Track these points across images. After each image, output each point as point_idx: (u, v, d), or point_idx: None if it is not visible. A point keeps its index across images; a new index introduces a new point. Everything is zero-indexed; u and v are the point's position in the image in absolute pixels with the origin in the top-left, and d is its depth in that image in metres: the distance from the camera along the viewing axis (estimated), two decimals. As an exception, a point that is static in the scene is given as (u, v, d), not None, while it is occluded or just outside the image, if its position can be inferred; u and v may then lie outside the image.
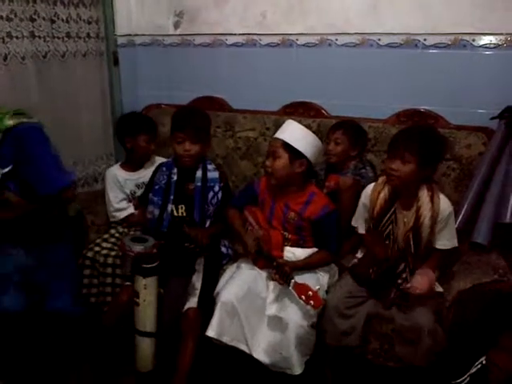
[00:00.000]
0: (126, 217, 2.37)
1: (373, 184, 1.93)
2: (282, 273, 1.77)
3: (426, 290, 1.74)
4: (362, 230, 1.98)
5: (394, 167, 1.76)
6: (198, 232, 1.99)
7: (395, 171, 1.76)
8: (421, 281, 1.76)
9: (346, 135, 2.19)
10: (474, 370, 1.53)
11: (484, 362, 1.49)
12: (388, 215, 1.85)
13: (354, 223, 2.02)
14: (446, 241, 1.84)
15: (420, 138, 1.76)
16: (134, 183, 2.38)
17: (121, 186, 2.38)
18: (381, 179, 1.90)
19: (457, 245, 1.86)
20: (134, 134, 2.35)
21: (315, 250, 1.96)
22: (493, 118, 2.13)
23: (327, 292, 1.93)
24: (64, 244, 2.02)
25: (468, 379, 1.53)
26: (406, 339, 1.76)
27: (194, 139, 2.02)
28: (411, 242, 1.82)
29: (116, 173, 2.41)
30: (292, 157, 1.87)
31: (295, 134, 1.90)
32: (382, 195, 1.86)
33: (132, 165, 2.42)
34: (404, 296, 1.80)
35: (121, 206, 2.37)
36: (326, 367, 1.94)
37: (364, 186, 2.00)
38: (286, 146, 1.87)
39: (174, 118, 2.09)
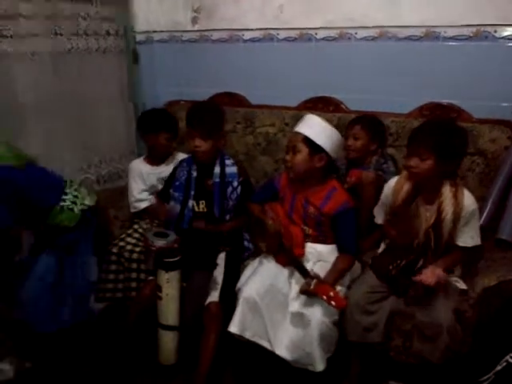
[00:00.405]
0: (146, 208, 2.39)
1: (396, 177, 1.92)
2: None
3: (433, 282, 1.72)
4: (380, 221, 1.99)
5: (413, 164, 1.75)
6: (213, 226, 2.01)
7: (414, 168, 1.75)
8: (429, 274, 1.74)
9: (364, 130, 2.17)
10: (499, 367, 1.52)
11: (510, 360, 1.47)
12: (410, 209, 1.84)
13: (375, 213, 2.02)
14: (468, 238, 1.81)
15: (436, 133, 1.73)
16: (156, 177, 2.40)
17: (143, 179, 2.41)
18: (404, 173, 1.89)
19: (479, 243, 1.83)
20: (154, 132, 2.37)
21: (335, 246, 1.95)
22: (517, 112, 2.10)
23: (349, 287, 1.92)
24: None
25: (493, 377, 1.51)
26: (425, 335, 1.74)
27: (203, 135, 2.02)
28: (432, 238, 1.80)
29: (139, 165, 2.44)
30: (312, 151, 1.86)
31: (315, 128, 1.88)
32: (404, 189, 1.85)
33: (154, 159, 2.44)
34: (424, 291, 1.78)
35: (142, 197, 2.40)
36: (350, 364, 1.93)
37: (386, 181, 1.99)
38: (306, 141, 1.86)
39: (187, 114, 2.10)
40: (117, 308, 2.20)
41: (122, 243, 2.25)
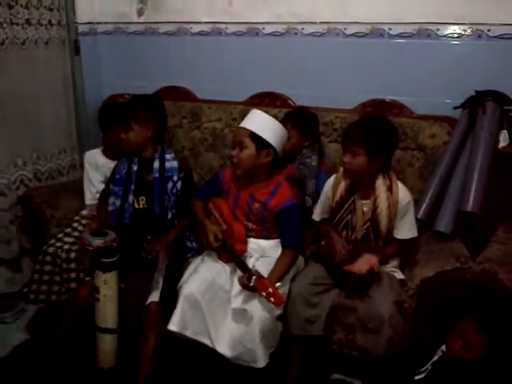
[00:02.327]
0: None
1: (334, 175, 1.96)
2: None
3: (364, 271, 1.76)
4: (316, 218, 2.03)
5: (346, 160, 1.79)
6: (154, 245, 1.95)
7: (347, 164, 1.80)
8: (360, 263, 1.78)
9: (296, 128, 2.18)
10: (435, 357, 1.54)
11: (444, 349, 1.50)
12: (347, 205, 1.87)
13: (314, 209, 2.06)
14: (405, 231, 1.87)
15: (366, 130, 1.77)
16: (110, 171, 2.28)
17: (99, 169, 2.33)
18: (341, 170, 1.92)
19: (416, 235, 1.89)
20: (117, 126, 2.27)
21: (278, 241, 1.94)
22: (456, 108, 2.14)
23: (293, 280, 1.90)
24: None
25: (430, 367, 1.54)
26: (368, 328, 1.76)
27: (125, 127, 1.99)
28: (370, 232, 1.84)
29: (95, 156, 2.37)
30: (259, 147, 1.84)
31: (261, 123, 1.87)
32: (341, 185, 1.90)
33: (113, 153, 2.34)
34: (357, 281, 1.80)
35: (101, 188, 2.28)
36: (291, 358, 1.93)
37: (306, 176, 2.08)
38: (253, 136, 1.83)
39: None
40: (52, 310, 2.12)
41: (58, 243, 2.17)
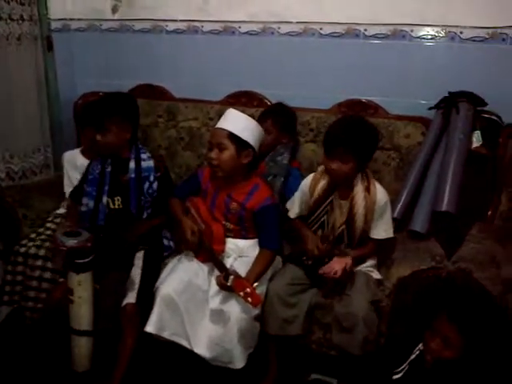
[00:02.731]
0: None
1: (313, 174, 1.95)
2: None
3: (339, 272, 1.76)
4: (292, 215, 2.01)
5: (335, 167, 1.78)
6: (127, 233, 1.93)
7: (336, 170, 1.79)
8: (334, 264, 1.79)
9: (276, 125, 2.19)
10: (413, 356, 1.55)
11: (421, 348, 1.52)
12: (324, 204, 1.88)
13: (288, 206, 2.03)
14: (381, 231, 1.88)
15: (353, 135, 1.76)
16: None
17: (78, 170, 2.27)
18: (320, 169, 1.93)
19: (392, 235, 1.91)
20: (83, 127, 2.28)
21: (256, 241, 1.93)
22: (430, 109, 2.18)
23: (271, 280, 1.90)
24: None
25: (408, 367, 1.55)
26: (343, 327, 1.77)
27: (101, 129, 1.94)
28: (345, 232, 1.86)
29: (75, 156, 2.34)
30: (239, 148, 1.81)
31: (240, 123, 1.84)
32: (320, 185, 1.90)
33: (91, 154, 2.27)
34: (340, 284, 1.81)
35: None
36: (268, 358, 1.93)
37: (274, 175, 2.11)
38: (232, 137, 1.81)
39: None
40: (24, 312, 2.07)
41: (30, 243, 2.12)
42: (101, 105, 2.00)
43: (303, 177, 2.07)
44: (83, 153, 2.34)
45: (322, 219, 1.89)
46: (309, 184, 1.93)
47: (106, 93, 2.55)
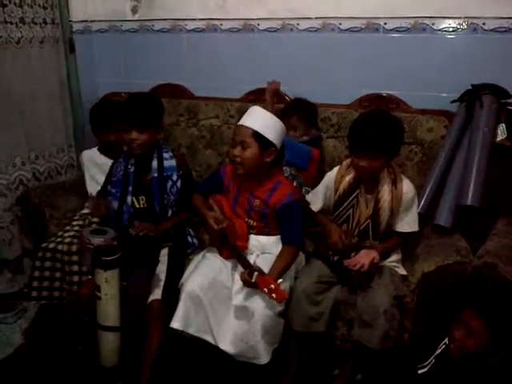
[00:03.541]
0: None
1: (337, 168, 1.94)
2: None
3: (366, 266, 1.75)
4: (315, 208, 1.99)
5: (365, 165, 1.75)
6: (144, 227, 1.94)
7: (365, 167, 1.76)
8: (361, 258, 1.77)
9: (302, 120, 2.21)
10: (438, 351, 1.55)
11: (447, 342, 1.51)
12: (350, 199, 1.87)
13: (309, 199, 2.02)
14: (406, 224, 1.86)
15: (384, 133, 1.71)
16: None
17: (99, 167, 2.31)
18: (345, 163, 1.91)
19: (417, 229, 1.88)
20: (95, 130, 2.31)
21: (279, 237, 1.93)
22: (453, 102, 2.15)
23: (296, 278, 1.91)
24: None
25: (433, 361, 1.54)
26: (363, 321, 1.76)
27: (140, 128, 1.95)
28: (370, 226, 1.85)
29: (93, 155, 2.36)
30: (262, 146, 1.80)
31: (264, 122, 1.82)
32: (346, 179, 1.87)
33: (107, 152, 2.33)
34: (365, 278, 1.81)
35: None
36: (291, 354, 1.93)
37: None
38: (256, 136, 1.79)
39: (121, 106, 2.03)
40: (54, 307, 2.11)
41: (58, 239, 2.15)
42: (130, 105, 2.01)
43: (311, 154, 2.15)
44: (100, 151, 2.37)
45: (347, 213, 1.87)
46: (333, 178, 1.91)
47: (129, 93, 2.61)
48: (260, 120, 1.82)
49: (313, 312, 1.83)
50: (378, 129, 1.71)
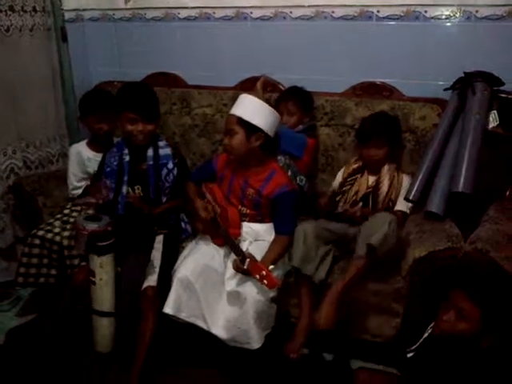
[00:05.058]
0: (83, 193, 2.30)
1: (344, 167, 2.20)
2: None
3: (359, 213, 1.95)
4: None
5: (373, 154, 2.06)
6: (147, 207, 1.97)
7: (373, 156, 2.06)
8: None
9: (298, 106, 2.21)
10: (426, 334, 1.56)
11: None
12: (353, 178, 2.12)
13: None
14: (399, 204, 2.05)
15: (387, 124, 2.07)
16: (97, 163, 2.25)
17: (83, 165, 2.30)
18: (353, 160, 2.18)
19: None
20: (92, 113, 2.27)
21: (271, 225, 1.96)
22: (446, 89, 2.15)
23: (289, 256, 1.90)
24: None
25: (421, 344, 1.55)
26: (367, 233, 1.79)
27: (147, 118, 1.96)
28: (370, 199, 2.05)
29: (81, 149, 2.33)
30: (248, 132, 1.84)
31: (249, 107, 1.86)
32: (353, 166, 2.15)
33: (97, 145, 2.31)
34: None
35: (80, 185, 2.30)
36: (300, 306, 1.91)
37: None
38: (241, 122, 1.83)
39: (123, 95, 2.01)
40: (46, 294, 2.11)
41: (48, 227, 2.15)
42: (144, 95, 2.01)
43: (306, 143, 2.21)
44: (89, 145, 2.35)
45: (348, 187, 2.11)
46: (342, 170, 2.19)
47: (121, 82, 2.60)
48: (245, 106, 1.87)
49: (305, 252, 1.85)
50: (380, 122, 2.09)
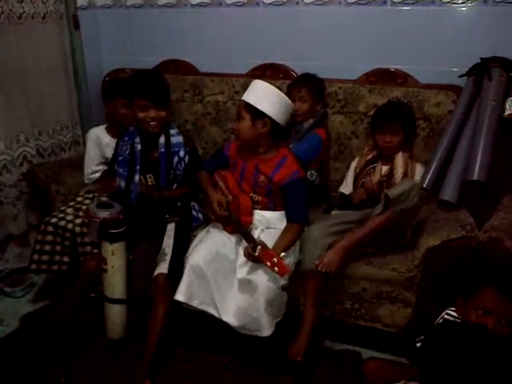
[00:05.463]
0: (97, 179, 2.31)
1: (357, 158, 2.23)
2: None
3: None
4: (346, 191, 2.19)
5: (389, 140, 2.07)
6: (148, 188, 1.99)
7: (390, 143, 2.07)
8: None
9: (311, 93, 2.18)
10: (440, 320, 1.54)
11: (446, 317, 1.50)
12: (367, 168, 2.14)
13: (341, 189, 2.21)
14: None
15: (402, 112, 2.10)
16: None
17: (102, 149, 2.31)
18: (366, 149, 2.19)
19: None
20: (111, 98, 2.28)
21: (283, 213, 1.95)
22: (461, 76, 2.11)
23: (300, 250, 1.91)
24: None
25: (429, 334, 1.53)
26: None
27: (160, 106, 1.95)
28: (384, 186, 2.03)
29: (100, 134, 2.34)
30: (254, 117, 1.84)
31: (258, 93, 1.86)
32: (367, 157, 2.16)
33: (115, 130, 2.31)
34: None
35: (98, 169, 2.31)
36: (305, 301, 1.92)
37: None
38: (248, 107, 1.85)
39: (135, 82, 2.00)
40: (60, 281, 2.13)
41: (61, 215, 2.16)
42: (155, 82, 1.99)
43: (322, 142, 2.17)
44: (108, 130, 2.36)
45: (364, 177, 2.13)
46: (357, 160, 2.21)
47: (134, 69, 2.59)
48: (254, 92, 1.88)
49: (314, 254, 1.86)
50: (396, 109, 2.13)
